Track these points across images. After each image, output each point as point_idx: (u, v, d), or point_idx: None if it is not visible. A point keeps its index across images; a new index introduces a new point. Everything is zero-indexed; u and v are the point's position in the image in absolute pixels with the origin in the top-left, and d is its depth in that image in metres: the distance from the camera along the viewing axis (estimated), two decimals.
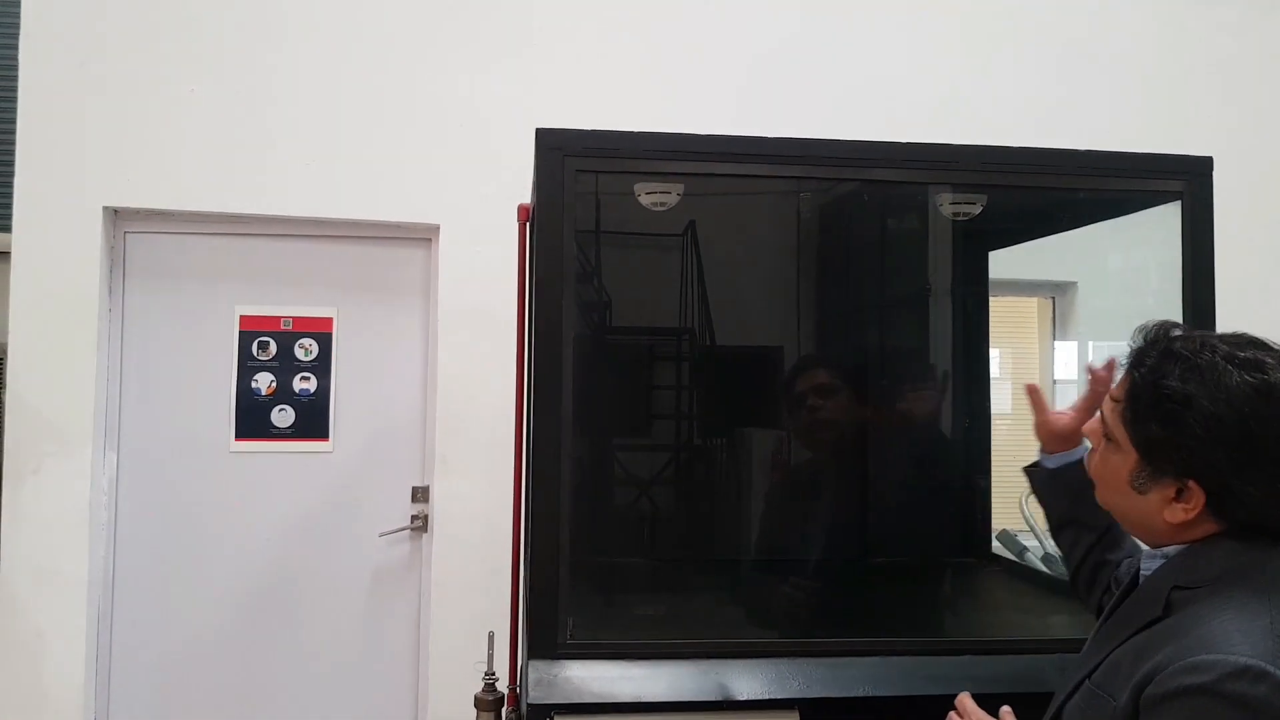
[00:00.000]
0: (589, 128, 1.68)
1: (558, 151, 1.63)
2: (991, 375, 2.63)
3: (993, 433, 2.59)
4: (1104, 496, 1.14)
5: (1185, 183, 1.71)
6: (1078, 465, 1.40)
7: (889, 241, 2.57)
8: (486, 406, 2.85)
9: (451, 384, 2.91)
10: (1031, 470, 1.46)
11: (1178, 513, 1.05)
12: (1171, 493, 1.05)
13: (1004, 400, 3.62)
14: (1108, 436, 1.10)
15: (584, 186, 2.04)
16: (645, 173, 1.78)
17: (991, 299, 2.61)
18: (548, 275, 1.59)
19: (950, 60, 3.21)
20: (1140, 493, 1.07)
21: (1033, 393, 1.41)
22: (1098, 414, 1.14)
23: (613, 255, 2.50)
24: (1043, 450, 1.44)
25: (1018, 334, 3.65)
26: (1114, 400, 1.10)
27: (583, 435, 2.47)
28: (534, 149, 1.65)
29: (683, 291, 2.52)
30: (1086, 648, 1.17)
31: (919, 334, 2.54)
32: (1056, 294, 3.51)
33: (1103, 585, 1.37)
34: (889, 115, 3.06)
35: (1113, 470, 1.10)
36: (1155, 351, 1.09)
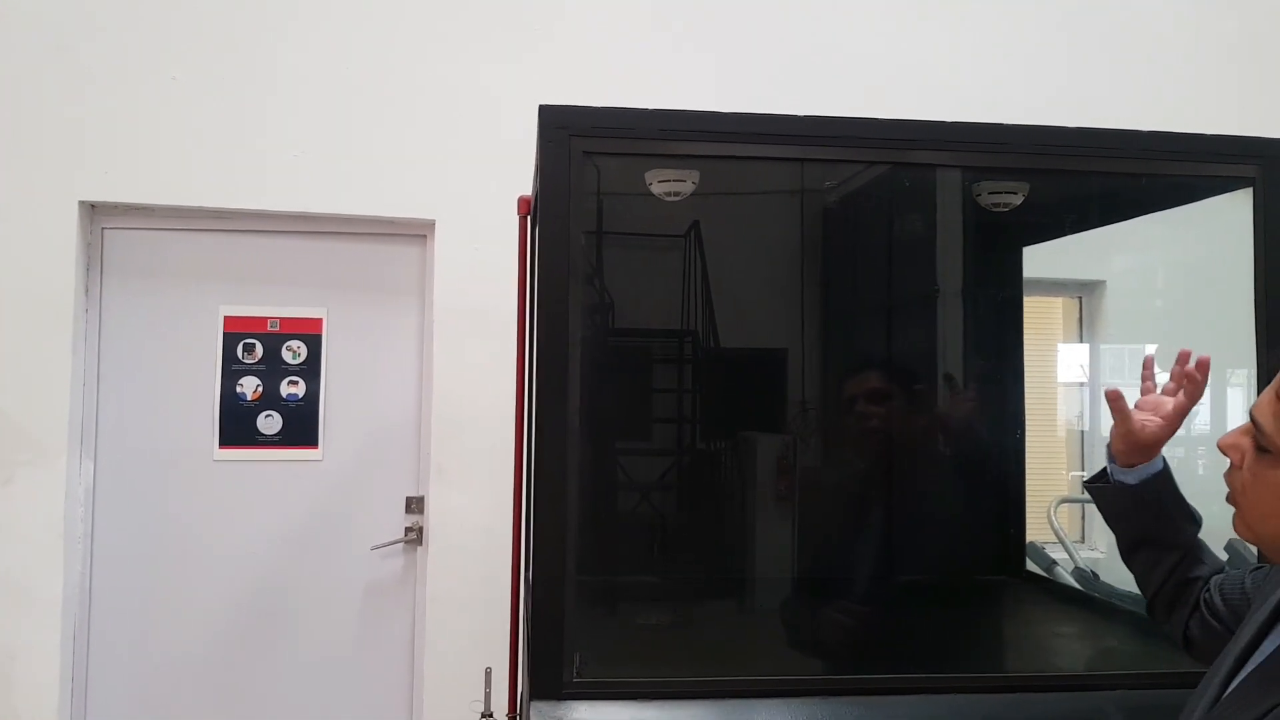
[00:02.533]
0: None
1: (563, 131, 1.48)
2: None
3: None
4: (1254, 520, 0.96)
5: (1259, 168, 1.55)
6: (1159, 479, 1.24)
7: (909, 236, 2.46)
8: (485, 412, 2.77)
9: (448, 388, 2.83)
10: (1103, 487, 1.28)
11: None
12: None
13: (1031, 405, 3.50)
14: (1263, 448, 0.93)
15: (587, 184, 1.93)
16: (660, 155, 1.63)
17: None
18: (552, 267, 1.45)
19: (980, 40, 3.07)
20: None
21: (1115, 399, 1.25)
22: (1239, 428, 0.96)
23: (614, 256, 2.46)
24: (1117, 463, 1.26)
25: (1040, 336, 3.52)
26: (1278, 398, 0.92)
27: (587, 442, 2.41)
28: (536, 128, 1.49)
29: (685, 293, 2.48)
30: (1235, 692, 0.98)
31: (946, 336, 2.42)
32: (1084, 293, 3.37)
33: (1188, 605, 1.22)
34: (916, 100, 2.92)
35: (1273, 488, 0.92)
36: None
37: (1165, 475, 1.25)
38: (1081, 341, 3.44)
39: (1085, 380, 3.52)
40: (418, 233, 2.92)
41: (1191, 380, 1.24)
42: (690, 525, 2.53)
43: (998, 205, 1.88)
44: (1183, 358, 1.27)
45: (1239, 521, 0.97)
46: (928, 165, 1.58)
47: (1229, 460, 0.97)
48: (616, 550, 2.43)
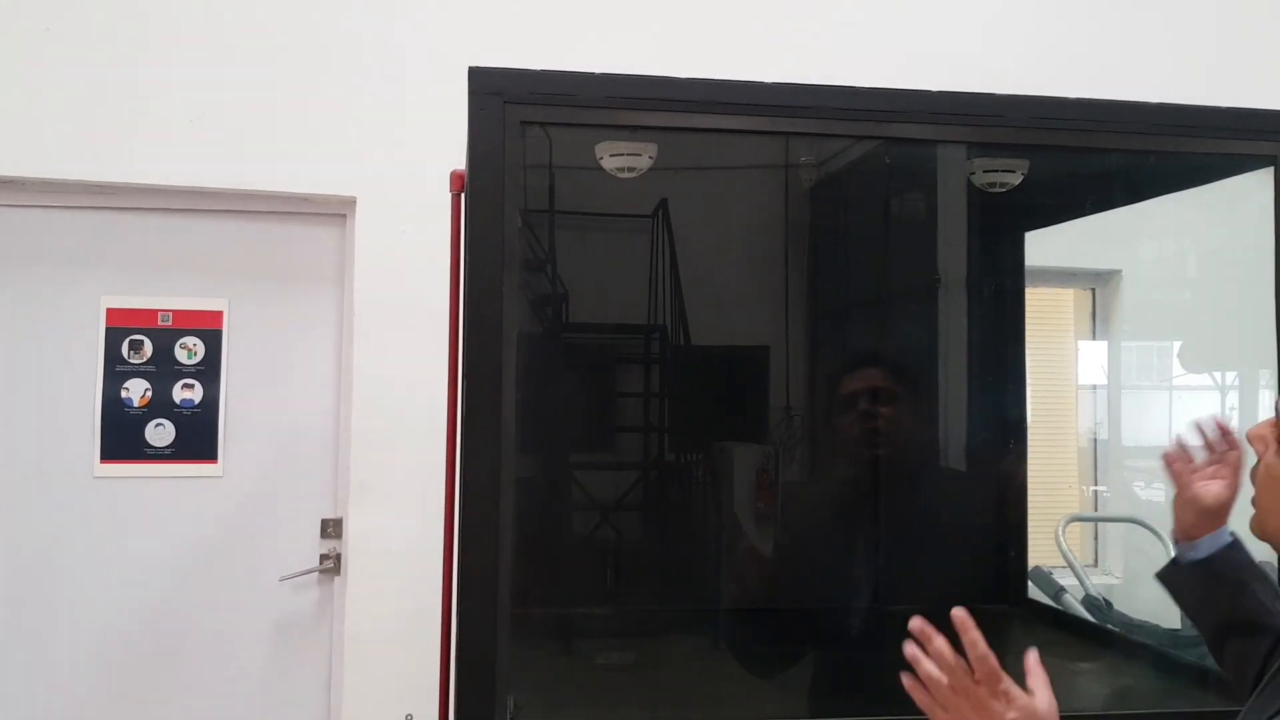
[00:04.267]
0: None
1: (497, 97, 1.50)
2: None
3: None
4: (1264, 516, 1.02)
5: None
6: (1232, 550, 1.28)
7: (902, 220, 2.50)
8: (415, 419, 2.74)
9: (371, 392, 2.82)
10: (1174, 573, 1.32)
11: None
12: None
13: (1037, 409, 3.58)
14: None
15: (536, 155, 1.94)
16: (611, 126, 1.63)
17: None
18: (482, 255, 1.46)
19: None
20: None
21: (1173, 462, 1.29)
22: (1267, 420, 1.02)
23: (569, 239, 2.49)
24: (1182, 538, 1.31)
25: (1050, 331, 3.59)
26: None
27: (532, 453, 2.42)
28: (467, 94, 1.50)
29: (652, 282, 2.49)
30: (1252, 702, 1.04)
31: (949, 332, 2.46)
32: (1097, 284, 3.45)
33: None
34: (900, 65, 2.94)
35: None
36: None
37: (1237, 546, 1.29)
38: (1095, 338, 3.52)
39: (1103, 382, 3.60)
40: (335, 211, 2.91)
41: (1229, 443, 1.30)
42: (657, 550, 2.54)
43: (993, 185, 1.92)
44: (1208, 430, 1.33)
45: (1254, 520, 1.03)
46: (912, 140, 1.60)
47: (1254, 455, 1.04)
48: (572, 579, 2.43)
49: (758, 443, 2.42)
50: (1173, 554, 1.34)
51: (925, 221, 2.49)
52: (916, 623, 1.05)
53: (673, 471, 2.61)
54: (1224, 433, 1.33)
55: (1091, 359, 3.65)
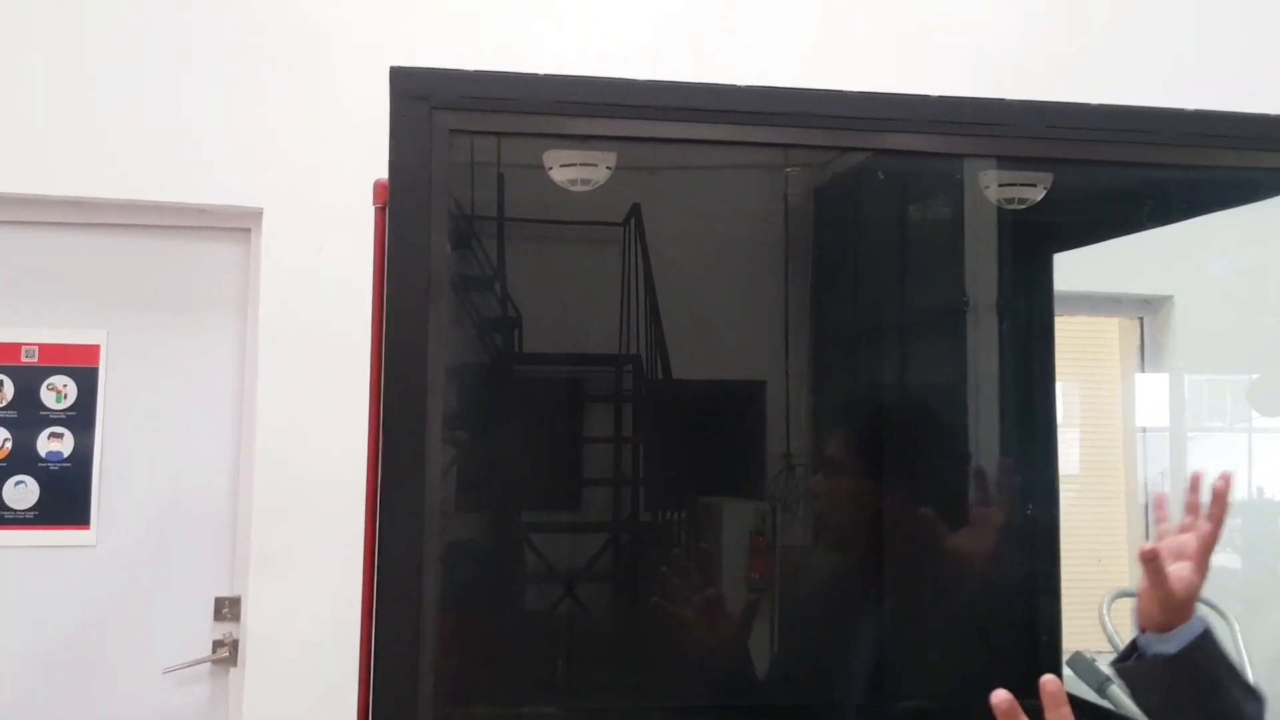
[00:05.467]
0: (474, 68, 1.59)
1: (423, 102, 1.53)
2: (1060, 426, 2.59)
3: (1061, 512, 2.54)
4: None
5: None
6: (1205, 641, 1.31)
7: (914, 238, 2.54)
8: (330, 475, 2.75)
9: (278, 443, 2.85)
10: (1136, 667, 1.35)
11: None
12: None
13: (1076, 459, 3.63)
14: None
15: (484, 153, 1.97)
16: (555, 135, 1.67)
17: (1057, 319, 2.58)
18: (403, 285, 1.49)
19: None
20: None
21: (1151, 559, 1.31)
22: None
23: (523, 252, 2.48)
24: (1148, 631, 1.35)
25: (1092, 366, 3.66)
26: None
27: (475, 512, 2.42)
28: (388, 98, 1.54)
29: (625, 304, 2.46)
30: None
31: (955, 367, 2.49)
32: (1146, 312, 3.52)
33: None
34: (914, 66, 3.04)
35: None
36: None
37: (1209, 636, 1.31)
38: (1144, 372, 3.59)
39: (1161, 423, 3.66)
40: (238, 225, 2.94)
41: (1216, 501, 1.33)
42: (632, 629, 2.52)
43: (1011, 201, 1.98)
44: (1194, 484, 1.37)
45: None
46: (908, 153, 1.65)
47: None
48: (521, 670, 2.42)
49: (751, 499, 2.41)
50: (1133, 642, 1.36)
51: (944, 237, 2.52)
52: (1002, 700, 1.06)
53: (649, 533, 2.56)
54: (1196, 490, 1.36)
55: (1146, 397, 3.71)
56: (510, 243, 2.44)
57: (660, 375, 2.48)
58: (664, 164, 2.28)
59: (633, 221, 2.47)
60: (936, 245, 2.55)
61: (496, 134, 1.70)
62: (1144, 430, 3.67)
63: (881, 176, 2.00)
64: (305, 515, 2.81)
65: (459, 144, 1.90)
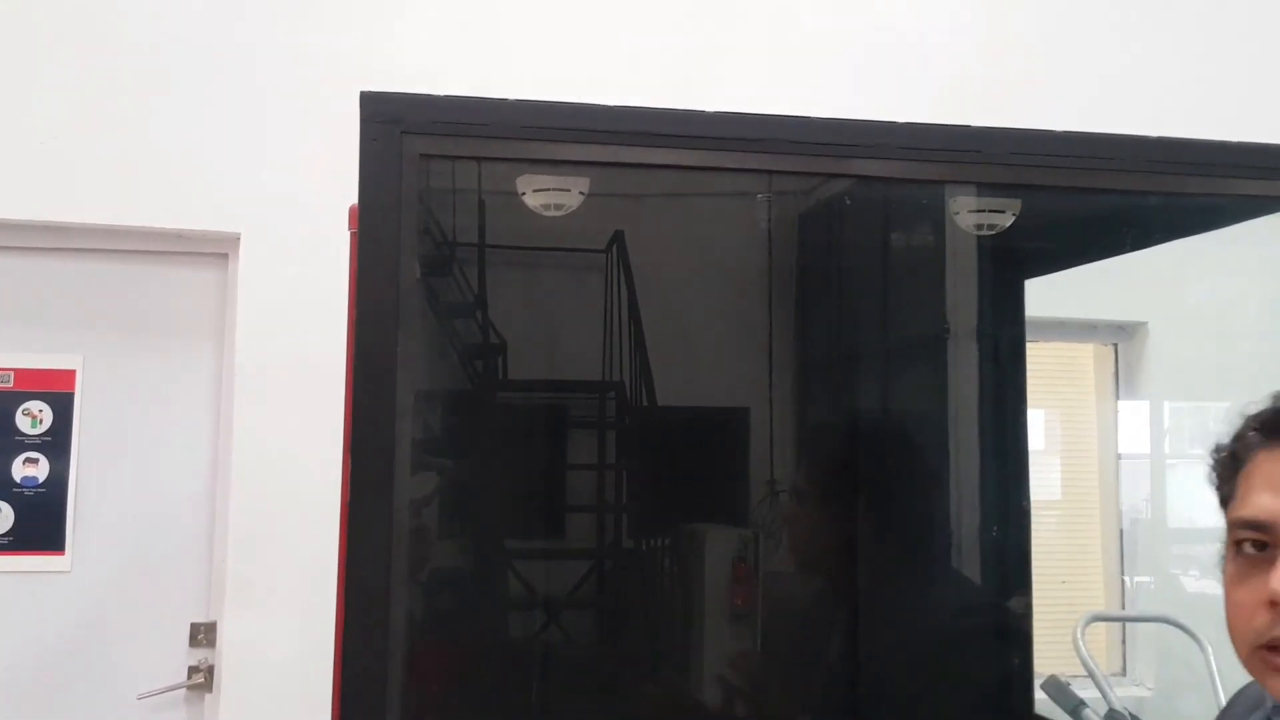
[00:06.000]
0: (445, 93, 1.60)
1: (393, 126, 1.53)
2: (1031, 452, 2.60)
3: (1033, 534, 2.54)
4: None
5: None
6: None
7: (895, 265, 2.55)
8: (306, 502, 2.70)
9: (255, 471, 2.84)
10: None
11: None
12: None
13: (1051, 484, 3.64)
14: None
15: (466, 179, 1.98)
16: (526, 160, 1.68)
17: (1030, 345, 2.59)
18: (373, 311, 1.49)
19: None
20: None
21: None
22: None
23: (507, 278, 2.48)
24: None
25: (1065, 393, 3.68)
26: None
27: (458, 539, 2.41)
28: (358, 121, 1.55)
29: (607, 330, 2.46)
30: None
31: (928, 394, 2.50)
32: (1120, 338, 3.54)
33: None
34: (903, 92, 3.06)
35: None
36: None
37: None
38: (1119, 398, 3.60)
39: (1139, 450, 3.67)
40: (215, 250, 2.94)
41: None
42: (612, 656, 2.51)
43: (981, 227, 1.99)
44: None
45: None
46: (876, 179, 1.67)
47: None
48: (509, 697, 2.40)
49: (735, 525, 2.38)
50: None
51: (923, 263, 2.53)
52: None
53: (631, 560, 2.56)
54: None
55: (1121, 423, 3.73)
56: (492, 269, 2.44)
57: (644, 402, 2.47)
58: (646, 190, 2.29)
59: (615, 248, 2.48)
60: (914, 271, 2.57)
61: (467, 159, 1.70)
62: (1121, 456, 3.68)
63: (849, 202, 2.01)
64: (281, 541, 2.80)
65: (440, 170, 1.92)
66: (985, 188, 1.89)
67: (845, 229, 2.42)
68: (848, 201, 1.99)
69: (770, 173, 1.79)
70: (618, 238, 2.47)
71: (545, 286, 2.55)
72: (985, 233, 2.01)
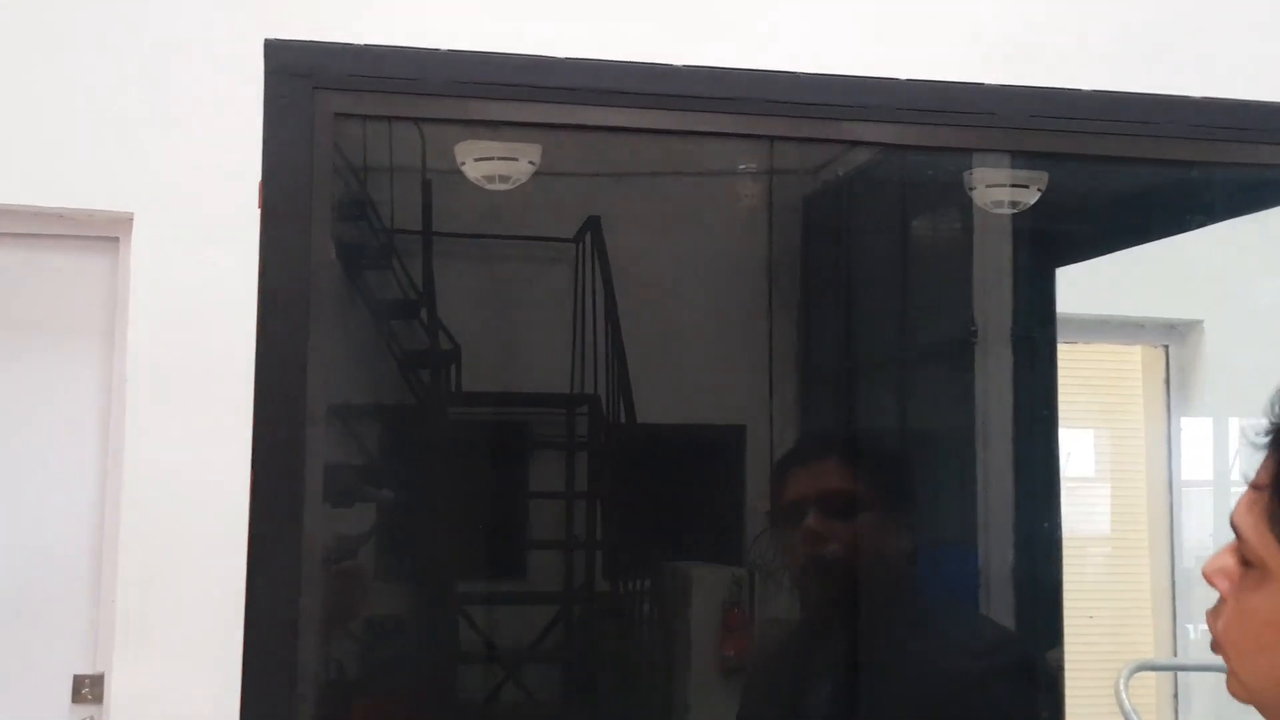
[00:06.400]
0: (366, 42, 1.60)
1: (303, 80, 1.53)
2: (1063, 473, 2.63)
3: (1071, 569, 2.56)
4: (1242, 669, 1.07)
5: None
6: None
7: (912, 255, 2.56)
8: (212, 530, 2.74)
9: (149, 493, 2.84)
10: None
11: None
12: None
13: (1092, 512, 3.65)
14: (1248, 562, 1.05)
15: (405, 154, 1.97)
16: (459, 121, 1.67)
17: (1063, 347, 2.61)
18: (279, 295, 1.48)
19: None
20: None
21: None
22: (1225, 547, 1.07)
23: (460, 272, 2.48)
24: None
25: (1108, 404, 3.69)
26: (1255, 490, 1.04)
27: (399, 581, 2.40)
28: (262, 75, 1.54)
29: (578, 334, 2.47)
30: None
31: (949, 407, 2.51)
32: (1172, 339, 3.55)
33: None
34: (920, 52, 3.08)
35: (1262, 617, 1.03)
36: None
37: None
38: (1171, 411, 3.62)
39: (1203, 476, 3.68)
40: (104, 234, 2.95)
41: None
42: (581, 718, 2.51)
43: (1001, 204, 1.99)
44: None
45: (1231, 678, 1.07)
46: (876, 144, 1.68)
47: (1217, 593, 1.08)
48: None
49: (726, 564, 2.41)
50: None
51: (943, 252, 2.54)
52: None
53: (608, 605, 2.56)
54: None
55: (1175, 441, 3.73)
56: (440, 261, 2.43)
57: (621, 418, 2.49)
58: (624, 169, 2.29)
59: (589, 236, 2.49)
60: (934, 262, 2.58)
61: (391, 119, 1.69)
62: (1176, 481, 3.68)
63: (840, 173, 2.00)
64: (182, 577, 2.81)
65: (378, 143, 1.92)
66: (1004, 156, 1.89)
67: (856, 213, 2.42)
68: (839, 173, 1.98)
69: (745, 136, 1.78)
70: (591, 224, 2.49)
71: (505, 282, 2.56)
72: (1006, 210, 2.01)
